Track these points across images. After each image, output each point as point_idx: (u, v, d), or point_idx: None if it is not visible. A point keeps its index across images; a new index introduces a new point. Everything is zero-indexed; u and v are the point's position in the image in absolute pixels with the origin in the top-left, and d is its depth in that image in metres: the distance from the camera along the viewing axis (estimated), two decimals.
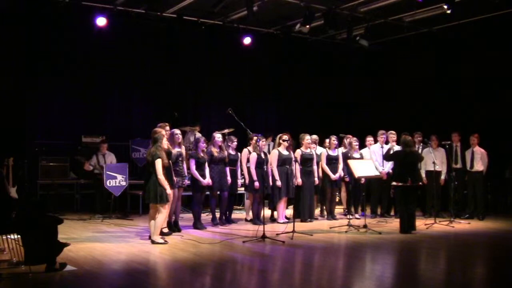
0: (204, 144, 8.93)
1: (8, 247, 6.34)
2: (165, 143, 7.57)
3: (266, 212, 9.48)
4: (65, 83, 11.73)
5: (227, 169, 9.18)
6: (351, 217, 9.61)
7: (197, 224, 8.81)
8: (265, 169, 8.91)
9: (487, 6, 10.89)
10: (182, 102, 13.01)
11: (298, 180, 9.55)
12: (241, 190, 10.25)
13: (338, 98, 14.60)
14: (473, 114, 11.90)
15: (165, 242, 7.37)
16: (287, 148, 9.51)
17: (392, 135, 10.51)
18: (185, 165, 8.54)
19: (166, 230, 7.99)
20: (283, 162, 9.40)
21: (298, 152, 9.69)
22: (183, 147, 8.68)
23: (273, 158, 9.42)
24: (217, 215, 9.35)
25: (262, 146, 9.57)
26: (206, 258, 6.56)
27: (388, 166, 10.21)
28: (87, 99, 12.08)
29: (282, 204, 9.52)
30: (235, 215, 10.14)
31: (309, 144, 9.83)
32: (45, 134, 11.37)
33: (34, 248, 5.67)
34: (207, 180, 8.79)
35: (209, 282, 5.82)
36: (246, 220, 9.85)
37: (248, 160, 9.31)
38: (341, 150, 10.25)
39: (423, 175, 10.34)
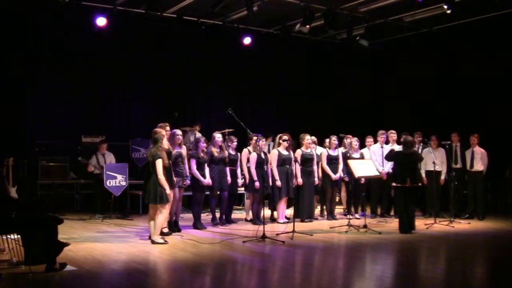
0: (205, 144, 8.93)
1: (8, 247, 6.34)
2: (165, 144, 7.57)
3: (266, 212, 9.47)
4: (65, 83, 11.73)
5: (227, 169, 9.18)
6: (351, 217, 9.62)
7: (197, 224, 8.81)
8: (265, 169, 8.91)
9: (487, 6, 10.89)
10: (182, 102, 13.01)
11: (299, 180, 9.55)
12: (241, 190, 10.24)
13: (338, 98, 14.60)
14: (473, 114, 11.90)
15: (165, 242, 7.37)
16: (287, 148, 9.51)
17: (392, 135, 10.52)
18: (186, 165, 8.54)
19: (166, 230, 7.99)
20: (283, 162, 9.40)
21: (299, 152, 9.69)
22: (183, 147, 8.68)
23: (273, 158, 9.42)
24: (217, 215, 9.35)
25: (262, 146, 9.58)
26: (206, 258, 6.56)
27: (388, 166, 10.21)
28: (87, 99, 12.09)
29: (282, 204, 9.52)
30: (235, 215, 10.14)
31: (310, 144, 9.83)
32: (45, 134, 11.36)
33: (34, 248, 5.67)
34: (207, 180, 8.80)
35: (209, 282, 5.82)
36: (246, 220, 9.85)
37: (248, 160, 9.31)
38: (341, 150, 10.25)
39: (423, 175, 10.35)
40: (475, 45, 12.03)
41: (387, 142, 10.52)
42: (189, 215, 9.84)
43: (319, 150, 10.30)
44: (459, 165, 10.51)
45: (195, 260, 6.48)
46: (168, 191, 7.28)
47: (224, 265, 6.36)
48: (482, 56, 11.89)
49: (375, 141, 10.62)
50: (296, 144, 10.36)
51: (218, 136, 9.17)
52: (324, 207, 10.43)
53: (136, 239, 7.81)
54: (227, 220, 9.42)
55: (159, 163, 7.18)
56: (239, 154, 9.49)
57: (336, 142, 10.14)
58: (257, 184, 9.15)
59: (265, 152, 9.61)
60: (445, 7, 10.44)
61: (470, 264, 6.77)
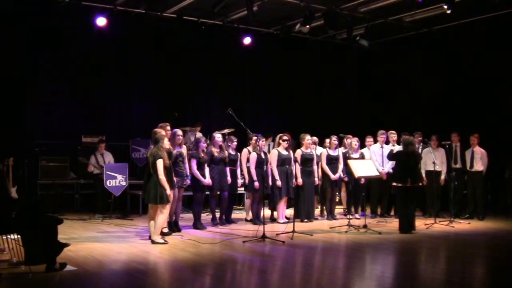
0: (205, 144, 8.93)
1: (8, 247, 6.34)
2: (166, 144, 7.56)
3: (266, 212, 9.47)
4: (65, 83, 11.73)
5: (227, 169, 9.18)
6: (351, 217, 9.61)
7: (197, 224, 8.81)
8: (265, 169, 8.91)
9: (487, 6, 10.90)
10: (182, 102, 13.00)
11: (299, 180, 9.55)
12: (241, 190, 10.25)
13: (338, 98, 14.60)
14: (473, 114, 11.90)
15: (165, 242, 7.37)
16: (287, 148, 9.51)
17: (393, 135, 10.52)
18: (186, 165, 8.54)
19: (166, 230, 7.99)
20: (283, 162, 9.40)
21: (299, 152, 9.69)
22: (184, 147, 8.68)
23: (272, 158, 9.42)
24: (217, 215, 9.35)
25: (262, 146, 9.58)
26: (206, 258, 6.56)
27: (388, 166, 10.21)
28: (87, 99, 12.09)
29: (282, 204, 9.52)
30: (235, 215, 10.14)
31: (310, 144, 9.83)
32: (45, 134, 11.37)
33: (34, 248, 5.67)
34: (208, 180, 8.80)
35: (209, 282, 5.82)
36: (246, 220, 9.85)
37: (248, 160, 9.31)
38: (341, 150, 10.25)
39: (423, 175, 10.35)
40: (475, 45, 12.03)
41: (387, 142, 10.52)
42: (189, 215, 9.84)
43: (319, 150, 10.30)
44: (459, 165, 10.51)
45: (195, 260, 6.48)
46: (168, 191, 7.28)
47: (224, 265, 6.35)
48: (482, 56, 11.89)
49: (375, 141, 10.62)
50: (296, 144, 10.37)
51: (218, 136, 9.17)
52: (324, 207, 10.43)
53: (136, 239, 7.80)
54: (227, 220, 9.42)
55: (160, 163, 7.18)
56: (239, 154, 9.49)
57: (336, 142, 10.14)
58: (256, 184, 9.15)
59: (265, 152, 9.61)
60: (445, 7, 10.45)
61: (470, 264, 6.77)
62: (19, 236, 5.94)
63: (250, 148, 9.43)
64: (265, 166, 8.88)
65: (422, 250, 7.64)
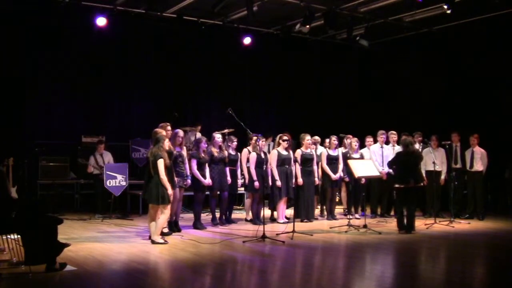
0: (205, 145, 8.93)
1: (8, 247, 6.34)
2: (166, 144, 7.56)
3: (266, 212, 9.47)
4: (65, 83, 11.74)
5: (227, 169, 9.19)
6: (351, 217, 9.61)
7: (197, 224, 8.81)
8: (265, 169, 8.91)
9: (487, 6, 10.90)
10: (182, 102, 13.01)
11: (299, 180, 9.55)
12: (241, 190, 10.25)
13: (338, 98, 14.60)
14: (473, 114, 11.90)
15: (165, 242, 7.37)
16: (287, 148, 9.51)
17: (393, 135, 10.51)
18: (186, 165, 8.54)
19: (166, 230, 7.99)
20: (283, 162, 9.40)
21: (298, 152, 9.69)
22: (184, 147, 8.68)
23: (272, 158, 9.42)
24: (217, 215, 9.35)
25: (262, 146, 9.57)
26: (206, 258, 6.56)
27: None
28: (87, 99, 12.09)
29: (282, 204, 9.52)
30: (235, 215, 10.14)
31: (310, 144, 9.83)
32: (45, 134, 11.37)
33: (34, 248, 5.67)
34: (208, 180, 8.80)
35: (209, 282, 5.82)
36: (246, 220, 9.84)
37: (248, 160, 9.31)
38: (341, 150, 10.25)
39: (424, 175, 10.35)
40: (475, 45, 12.03)
41: (387, 142, 10.52)
42: (189, 215, 9.85)
43: (319, 150, 10.29)
44: (459, 165, 10.51)
45: (195, 260, 6.48)
46: (170, 191, 7.28)
47: (224, 265, 6.35)
48: (482, 56, 11.89)
49: (375, 141, 10.62)
50: (296, 144, 10.37)
51: (218, 136, 9.18)
52: (324, 207, 10.43)
53: (136, 239, 7.80)
54: (227, 220, 9.42)
55: (160, 163, 7.18)
56: (239, 154, 9.50)
57: (336, 142, 10.14)
58: (256, 184, 9.15)
59: (265, 152, 9.61)
60: (445, 7, 10.45)
61: (470, 264, 6.77)
62: (19, 236, 5.94)
63: (250, 148, 9.43)
64: (265, 166, 8.88)
65: (422, 250, 7.64)
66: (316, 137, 10.32)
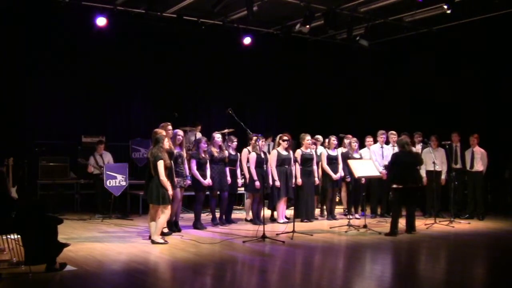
0: (206, 145, 8.93)
1: (8, 247, 6.34)
2: (166, 144, 7.56)
3: (266, 212, 9.47)
4: (65, 83, 11.73)
5: (227, 169, 9.19)
6: (351, 217, 9.62)
7: (197, 224, 8.81)
8: (265, 168, 8.91)
9: (487, 6, 10.89)
10: (182, 102, 13.01)
11: (298, 180, 9.55)
12: (241, 190, 10.25)
13: (338, 98, 14.60)
14: (473, 114, 11.90)
15: (165, 242, 7.37)
16: (287, 148, 9.51)
17: (393, 135, 10.50)
18: (186, 166, 8.54)
19: (166, 230, 7.99)
20: (282, 162, 9.40)
21: (298, 152, 9.69)
22: (183, 147, 8.68)
23: (272, 158, 9.42)
24: (217, 215, 9.35)
25: (262, 146, 9.57)
26: (206, 258, 6.56)
27: None
28: (87, 99, 12.09)
29: (282, 204, 9.52)
30: (235, 215, 10.14)
31: (310, 144, 9.83)
32: (45, 134, 11.38)
33: (34, 248, 5.67)
34: (208, 181, 8.80)
35: (209, 282, 5.82)
36: (246, 220, 9.84)
37: (248, 160, 9.31)
38: (340, 150, 10.25)
39: (423, 175, 10.36)
40: (475, 45, 12.02)
41: (387, 142, 10.52)
42: (189, 215, 9.85)
43: (319, 150, 10.29)
44: (459, 165, 10.51)
45: (195, 260, 6.48)
46: (170, 191, 7.29)
47: (224, 265, 6.36)
48: (482, 56, 11.89)
49: (375, 141, 10.62)
50: (296, 144, 10.37)
51: (218, 136, 9.18)
52: (324, 207, 10.43)
53: (136, 239, 7.80)
54: (227, 220, 9.42)
55: (160, 164, 7.18)
56: (239, 154, 9.49)
57: (336, 142, 10.15)
58: (257, 183, 9.15)
59: (264, 152, 9.61)
60: (445, 7, 10.45)
61: (470, 264, 6.77)
62: (19, 236, 5.94)
63: (250, 148, 9.43)
64: (265, 166, 8.89)
65: (422, 250, 7.64)
66: (318, 136, 10.32)
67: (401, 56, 13.60)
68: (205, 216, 9.75)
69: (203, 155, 8.82)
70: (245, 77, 13.79)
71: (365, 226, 8.73)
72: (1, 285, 5.29)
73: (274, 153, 9.50)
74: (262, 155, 9.26)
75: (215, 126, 11.44)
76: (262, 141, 9.58)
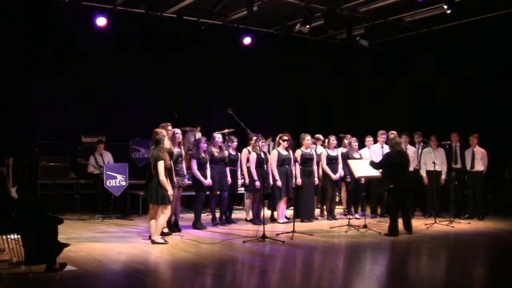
0: (205, 145, 8.93)
1: (8, 247, 6.34)
2: (167, 144, 7.57)
3: (266, 212, 9.47)
4: (65, 83, 11.73)
5: (227, 169, 9.19)
6: (351, 217, 9.62)
7: (197, 224, 8.81)
8: (265, 168, 8.91)
9: (487, 6, 10.89)
10: (182, 102, 13.01)
11: (298, 180, 9.55)
12: (241, 190, 10.25)
13: (338, 98, 14.60)
14: (473, 114, 11.90)
15: (165, 242, 7.37)
16: (287, 148, 9.51)
17: (393, 135, 10.49)
18: (183, 165, 8.55)
19: (166, 230, 7.99)
20: (283, 162, 9.40)
21: (298, 152, 9.69)
22: (182, 147, 8.68)
23: (272, 158, 9.42)
24: (217, 215, 9.35)
25: (262, 146, 9.57)
26: (206, 258, 6.56)
27: None
28: (87, 99, 12.09)
29: (282, 204, 9.52)
30: (235, 215, 10.14)
31: (310, 144, 9.83)
32: (45, 134, 11.38)
33: (34, 248, 5.67)
34: (208, 181, 8.80)
35: (209, 282, 5.82)
36: (246, 220, 9.85)
37: (248, 160, 9.31)
38: (340, 150, 10.25)
39: (424, 175, 10.37)
40: (475, 45, 12.02)
41: (387, 142, 10.50)
42: (189, 215, 9.85)
43: (319, 150, 10.28)
44: (459, 165, 10.51)
45: (195, 260, 6.48)
46: (170, 192, 7.29)
47: (224, 265, 6.36)
48: (482, 56, 11.89)
49: (375, 141, 10.62)
50: (296, 144, 10.37)
51: (218, 136, 9.18)
52: (324, 207, 10.43)
53: (136, 239, 7.80)
54: (227, 220, 9.42)
55: (161, 165, 7.18)
56: (239, 154, 9.50)
57: (335, 142, 10.15)
58: (257, 183, 9.15)
59: (265, 152, 9.61)
60: (445, 7, 10.45)
61: (470, 264, 6.77)
62: (19, 236, 5.94)
63: (250, 148, 9.43)
64: (265, 166, 8.89)
65: (422, 250, 7.64)
66: (318, 136, 10.32)
67: (401, 56, 13.59)
68: (205, 216, 9.76)
69: (203, 155, 8.82)
70: (245, 77, 13.79)
71: (365, 226, 8.73)
72: (1, 285, 5.29)
73: (274, 153, 9.49)
74: (262, 155, 9.26)
75: (215, 126, 11.44)
76: (262, 141, 9.58)
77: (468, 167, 10.39)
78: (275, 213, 9.85)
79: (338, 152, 10.16)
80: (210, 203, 9.26)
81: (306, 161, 9.69)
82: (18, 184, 8.67)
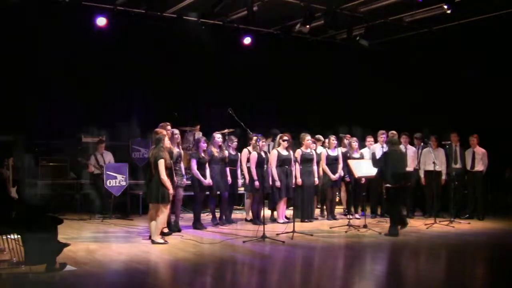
0: (205, 144, 8.93)
1: (8, 247, 6.34)
2: (167, 143, 7.57)
3: (266, 212, 9.47)
4: (65, 83, 11.71)
5: (227, 169, 9.18)
6: (351, 217, 9.62)
7: (197, 224, 8.81)
8: (265, 168, 8.91)
9: (487, 6, 10.89)
10: (182, 102, 13.00)
11: (298, 180, 9.55)
12: (241, 190, 10.25)
13: (338, 98, 14.59)
14: (473, 114, 11.89)
15: (165, 242, 7.37)
16: (287, 148, 9.51)
17: (393, 135, 10.48)
18: (182, 165, 8.55)
19: (166, 230, 7.99)
20: (283, 162, 9.40)
21: (299, 152, 9.69)
22: (180, 147, 8.69)
23: (272, 158, 9.42)
24: (217, 215, 9.34)
25: (262, 146, 9.57)
26: (206, 258, 6.56)
27: None
28: (87, 99, 12.07)
29: (282, 204, 9.52)
30: (235, 215, 10.14)
31: (310, 144, 9.83)
32: (45, 134, 11.36)
33: (34, 248, 5.66)
34: (208, 180, 8.80)
35: (209, 282, 5.82)
36: (246, 220, 9.85)
37: (248, 160, 9.31)
38: (340, 150, 10.25)
39: (422, 175, 10.37)
40: (475, 45, 12.02)
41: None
42: (189, 215, 9.84)
43: (319, 149, 10.28)
44: (459, 165, 10.51)
45: (195, 260, 6.48)
46: (171, 191, 7.30)
47: (224, 265, 6.36)
48: (482, 56, 11.88)
49: (375, 141, 10.62)
50: (295, 144, 10.36)
51: (218, 136, 9.18)
52: (324, 207, 10.43)
53: (136, 239, 7.81)
54: (227, 220, 9.42)
55: (161, 164, 7.19)
56: (239, 154, 9.49)
57: (335, 142, 10.15)
58: (257, 183, 9.15)
59: (265, 151, 9.61)
60: (445, 7, 10.45)
61: (470, 264, 6.77)
62: (19, 236, 5.94)
63: (250, 148, 9.43)
64: (265, 166, 8.88)
65: (422, 250, 7.64)
66: (319, 136, 10.32)
67: (401, 56, 13.58)
68: (205, 216, 9.76)
69: (202, 155, 8.83)
70: (245, 77, 13.77)
71: (365, 226, 8.73)
72: (1, 285, 5.28)
73: (274, 153, 9.49)
74: (263, 155, 9.26)
75: (215, 126, 11.42)
76: (262, 141, 9.58)
77: (469, 167, 10.39)
78: (275, 213, 9.85)
79: (339, 152, 10.16)
80: (210, 203, 9.25)
81: (306, 161, 9.69)
82: (18, 184, 8.66)
